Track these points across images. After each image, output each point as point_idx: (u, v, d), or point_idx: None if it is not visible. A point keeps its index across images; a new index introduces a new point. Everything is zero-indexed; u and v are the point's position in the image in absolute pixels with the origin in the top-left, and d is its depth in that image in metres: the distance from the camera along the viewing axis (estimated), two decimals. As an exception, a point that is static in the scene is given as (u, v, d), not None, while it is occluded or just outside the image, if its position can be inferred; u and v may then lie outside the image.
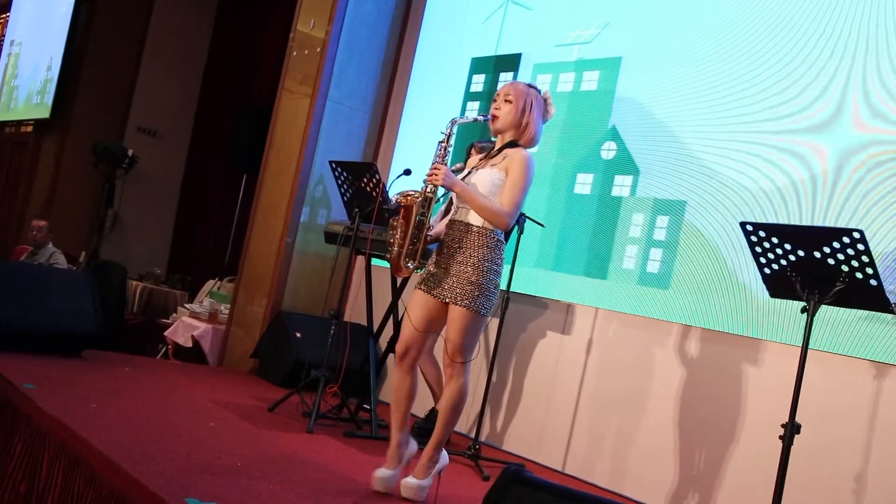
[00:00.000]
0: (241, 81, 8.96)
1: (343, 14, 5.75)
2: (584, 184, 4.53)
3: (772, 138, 3.83)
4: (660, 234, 4.15)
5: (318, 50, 5.75)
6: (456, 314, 3.00)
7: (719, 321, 3.86)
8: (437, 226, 3.27)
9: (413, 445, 3.22)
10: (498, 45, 5.23)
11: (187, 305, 6.64)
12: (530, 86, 3.20)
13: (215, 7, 9.86)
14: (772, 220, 3.72)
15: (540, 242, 4.64)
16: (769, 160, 3.82)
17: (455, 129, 3.13)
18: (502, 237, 3.08)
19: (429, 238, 3.06)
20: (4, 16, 12.81)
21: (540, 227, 4.35)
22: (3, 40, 12.54)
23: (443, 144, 3.10)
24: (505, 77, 5.08)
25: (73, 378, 4.12)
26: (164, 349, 6.48)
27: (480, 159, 3.21)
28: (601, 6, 4.69)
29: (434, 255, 3.13)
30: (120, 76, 9.57)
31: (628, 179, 4.33)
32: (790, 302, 2.96)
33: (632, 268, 4.24)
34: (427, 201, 3.03)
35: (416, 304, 3.11)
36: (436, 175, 3.00)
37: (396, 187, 3.84)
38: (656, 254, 4.15)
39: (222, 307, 6.23)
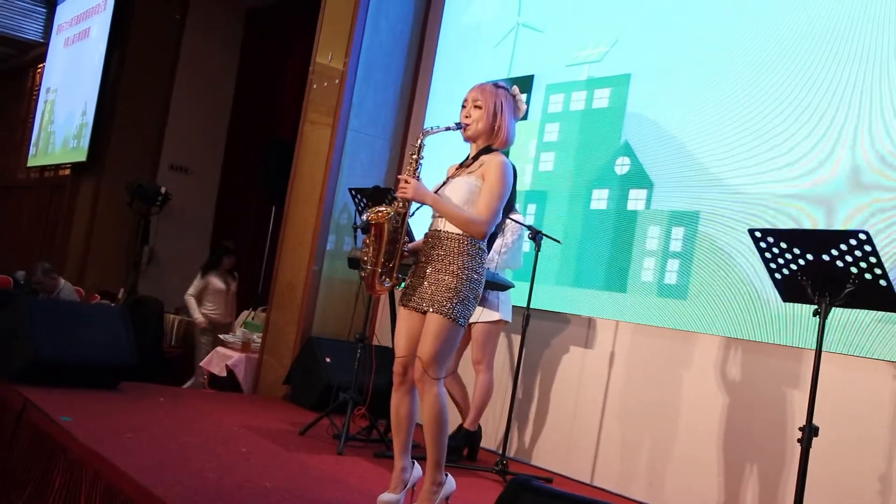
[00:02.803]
0: (267, 115, 9.16)
1: (360, 44, 5.88)
2: (600, 199, 4.59)
3: (782, 145, 3.86)
4: (676, 246, 4.19)
5: (337, 81, 5.89)
6: (431, 321, 2.86)
7: (738, 328, 3.88)
8: (416, 242, 3.14)
9: (418, 470, 3.06)
10: (510, 68, 5.32)
11: (221, 336, 6.78)
12: (497, 85, 3.07)
13: (239, 46, 10.11)
14: (786, 227, 3.74)
15: (560, 259, 4.70)
16: (779, 167, 3.85)
17: (425, 141, 3.00)
18: (484, 245, 2.95)
19: (405, 254, 2.96)
20: (41, 65, 13.24)
21: (558, 244, 4.41)
22: (39, 88, 12.96)
23: (413, 158, 2.97)
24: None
25: (109, 409, 4.23)
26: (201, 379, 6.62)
27: (457, 168, 3.09)
28: (609, 25, 4.77)
29: (412, 267, 3.01)
30: (151, 117, 9.85)
31: (643, 193, 4.38)
32: (806, 306, 2.94)
33: (650, 280, 4.27)
34: (399, 216, 2.92)
35: (401, 321, 3.00)
36: (404, 189, 2.89)
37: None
38: (673, 265, 4.19)
39: (255, 336, 6.36)
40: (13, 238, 12.38)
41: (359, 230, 4.44)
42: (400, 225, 2.92)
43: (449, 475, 3.02)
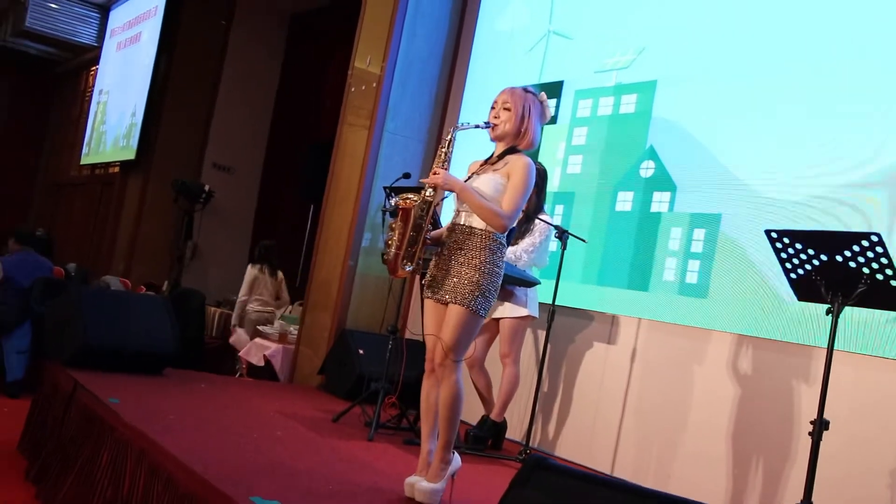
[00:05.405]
0: (308, 117, 9.38)
1: (397, 50, 6.06)
2: (625, 201, 4.72)
3: (804, 150, 3.95)
4: (697, 247, 4.30)
5: (374, 85, 6.08)
6: (453, 312, 3.01)
7: (756, 327, 3.98)
8: (438, 230, 3.26)
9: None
10: (541, 74, 5.47)
11: (259, 328, 7.00)
12: (526, 90, 3.20)
13: (283, 49, 10.36)
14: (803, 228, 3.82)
15: (585, 259, 4.84)
16: (800, 172, 3.94)
17: (455, 136, 3.14)
18: (504, 240, 3.08)
19: (428, 241, 3.10)
20: (94, 68, 13.64)
21: (584, 244, 4.56)
22: (92, 90, 13.35)
23: (443, 150, 3.12)
24: (549, 105, 5.28)
25: (153, 393, 4.43)
26: (239, 369, 6.86)
27: (481, 165, 3.21)
28: (637, 33, 4.89)
29: (434, 258, 3.15)
30: (196, 118, 10.15)
31: (666, 196, 4.50)
32: (822, 306, 3.02)
33: (672, 279, 4.39)
34: (426, 204, 3.05)
35: (427, 313, 3.14)
36: (435, 176, 3.03)
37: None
38: (694, 265, 4.30)
39: (291, 328, 6.58)
40: (66, 232, 12.79)
41: (387, 214, 4.62)
42: (426, 213, 3.05)
43: (455, 453, 3.15)
